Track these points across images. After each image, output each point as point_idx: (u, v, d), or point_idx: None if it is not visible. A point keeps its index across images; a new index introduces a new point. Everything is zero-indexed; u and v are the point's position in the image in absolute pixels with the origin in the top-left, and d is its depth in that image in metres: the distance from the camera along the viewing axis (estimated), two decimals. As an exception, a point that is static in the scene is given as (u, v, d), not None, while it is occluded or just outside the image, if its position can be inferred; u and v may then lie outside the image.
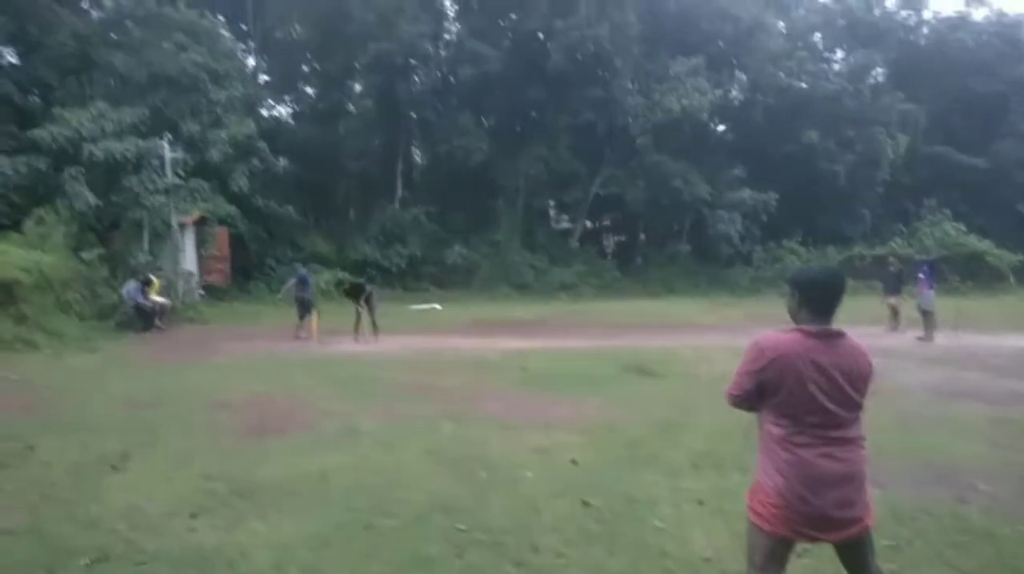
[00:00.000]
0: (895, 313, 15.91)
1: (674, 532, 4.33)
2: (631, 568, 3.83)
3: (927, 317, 14.76)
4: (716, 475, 5.44)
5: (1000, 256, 31.28)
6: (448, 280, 29.26)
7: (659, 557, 3.97)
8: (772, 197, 31.05)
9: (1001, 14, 39.22)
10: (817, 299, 2.78)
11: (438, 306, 24.00)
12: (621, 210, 34.61)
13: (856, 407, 2.76)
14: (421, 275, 29.14)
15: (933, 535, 4.33)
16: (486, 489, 5.10)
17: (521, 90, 30.77)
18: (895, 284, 16.22)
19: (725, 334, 14.90)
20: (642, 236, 36.49)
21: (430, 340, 14.48)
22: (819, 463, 2.67)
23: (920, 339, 14.32)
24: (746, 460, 5.19)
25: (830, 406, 2.69)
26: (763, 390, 2.75)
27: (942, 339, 14.35)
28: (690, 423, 7.11)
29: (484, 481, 5.29)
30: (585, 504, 4.77)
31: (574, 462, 5.77)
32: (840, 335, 2.77)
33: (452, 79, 32.68)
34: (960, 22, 38.47)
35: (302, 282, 15.34)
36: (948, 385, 9.27)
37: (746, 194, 30.81)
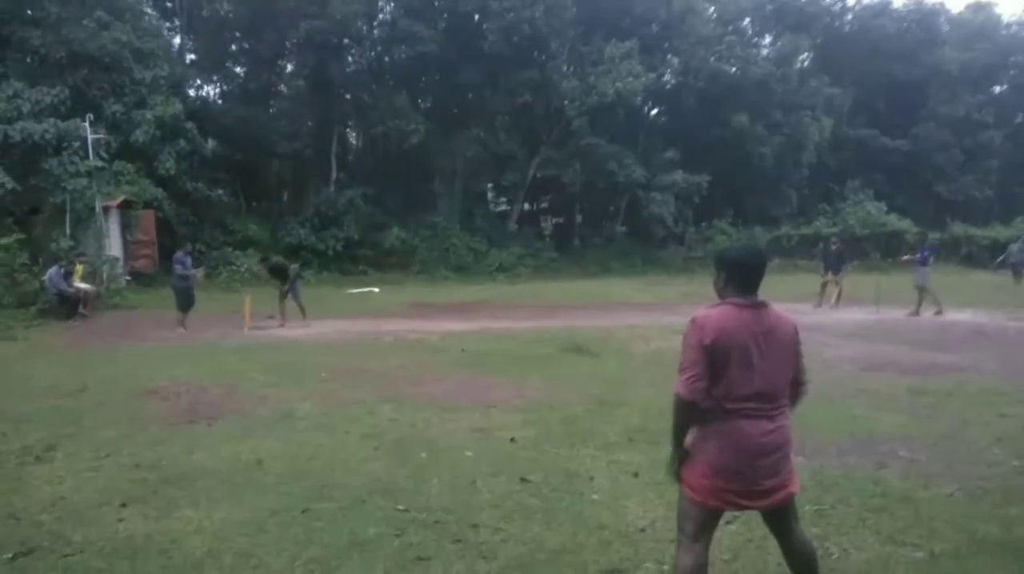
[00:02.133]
0: (836, 290, 16.56)
1: (611, 504, 4.43)
2: (569, 541, 3.90)
3: (922, 293, 15.37)
4: (651, 448, 5.55)
5: (919, 235, 32.79)
6: (386, 263, 28.93)
7: (596, 529, 4.06)
8: (704, 179, 31.70)
9: (919, 2, 40.79)
10: (740, 276, 2.87)
11: (376, 290, 23.73)
12: (558, 192, 34.81)
13: (788, 375, 2.87)
14: (358, 258, 28.71)
15: (855, 500, 4.53)
16: (425, 470, 5.11)
17: (457, 71, 30.48)
18: (837, 263, 16.88)
19: (660, 313, 15.21)
20: (579, 218, 36.80)
21: (368, 324, 14.33)
22: (752, 435, 2.76)
23: (912, 315, 14.88)
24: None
25: (766, 376, 2.78)
26: (712, 367, 2.74)
27: (860, 314, 15.03)
28: (626, 399, 7.26)
29: (423, 462, 5.30)
30: (523, 480, 4.83)
31: (513, 440, 5.83)
32: (765, 305, 2.87)
33: (387, 59, 32.13)
34: (882, 9, 39.82)
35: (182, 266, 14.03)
36: (869, 358, 9.71)
37: (679, 176, 31.37)
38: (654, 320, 13.59)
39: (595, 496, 4.58)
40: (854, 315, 15.16)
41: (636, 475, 4.95)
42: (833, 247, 17.44)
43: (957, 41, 40.75)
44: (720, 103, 32.52)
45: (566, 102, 30.04)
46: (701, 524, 2.90)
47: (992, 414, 6.68)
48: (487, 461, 5.28)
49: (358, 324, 14.25)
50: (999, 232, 33.11)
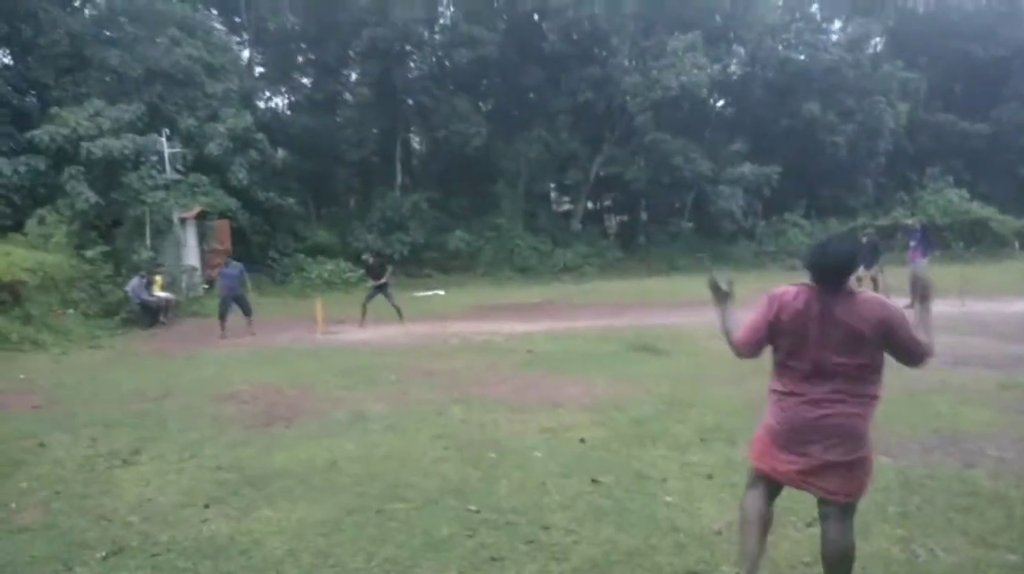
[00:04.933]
0: (874, 285, 15.83)
1: (684, 506, 4.35)
2: (642, 543, 3.84)
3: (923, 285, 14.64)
4: (726, 448, 5.45)
5: (1004, 222, 31.14)
6: (451, 266, 29.26)
7: (670, 532, 3.99)
8: (774, 171, 30.85)
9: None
10: (819, 275, 2.87)
11: (442, 292, 24.03)
12: (622, 190, 34.49)
13: (857, 359, 2.80)
14: (424, 262, 29.13)
15: (942, 500, 4.35)
16: (495, 471, 5.12)
17: (518, 72, 30.57)
18: (869, 257, 16.07)
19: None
20: (644, 215, 36.37)
21: (435, 326, 14.50)
22: (800, 413, 2.86)
23: (908, 307, 14.23)
24: (754, 433, 5.21)
25: (823, 358, 2.82)
26: (773, 335, 2.93)
27: (944, 307, 14.33)
28: (698, 399, 7.12)
29: (494, 463, 5.31)
30: (594, 482, 4.79)
31: (582, 441, 5.79)
32: (850, 293, 2.84)
33: (448, 64, 32.48)
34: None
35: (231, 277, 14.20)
36: (953, 352, 9.24)
37: (747, 169, 30.60)
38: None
39: (668, 498, 4.50)
40: (937, 308, 14.43)
41: (710, 477, 4.84)
42: (865, 240, 16.55)
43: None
44: (789, 92, 31.62)
45: (628, 98, 29.73)
46: (755, 477, 3.12)
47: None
48: (556, 462, 5.26)
49: (425, 327, 14.44)
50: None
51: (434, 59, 32.55)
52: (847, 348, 2.79)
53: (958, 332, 10.80)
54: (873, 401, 2.86)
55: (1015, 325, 11.81)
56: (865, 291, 2.96)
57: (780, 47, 31.85)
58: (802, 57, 31.66)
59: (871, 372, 2.83)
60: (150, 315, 15.82)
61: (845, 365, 2.80)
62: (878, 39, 36.50)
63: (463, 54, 29.76)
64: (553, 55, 29.41)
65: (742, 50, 34.10)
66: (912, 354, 2.83)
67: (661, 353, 9.91)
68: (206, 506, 4.59)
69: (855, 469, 2.86)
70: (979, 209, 31.47)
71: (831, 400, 2.81)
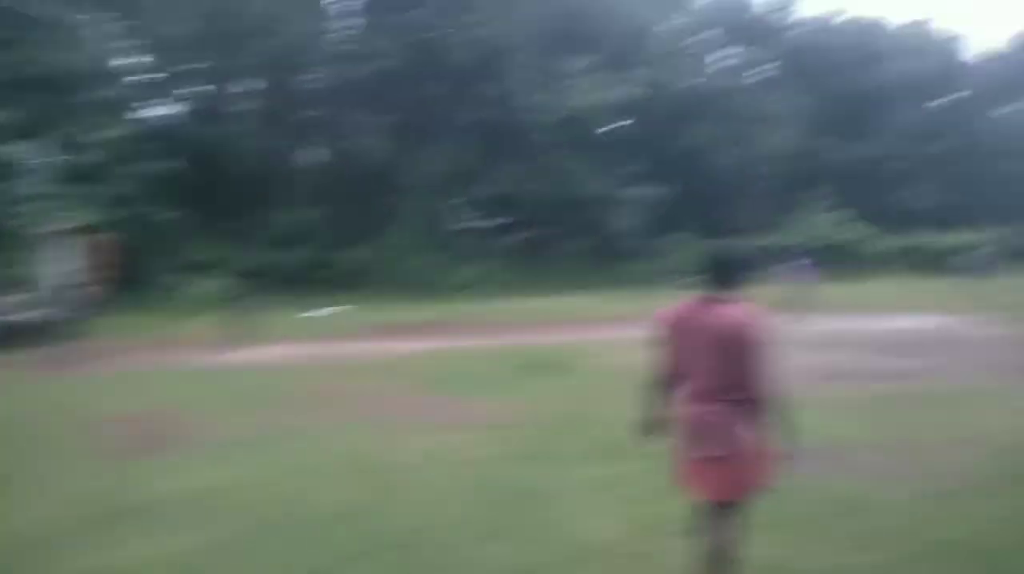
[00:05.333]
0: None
1: (579, 521, 4.39)
2: (537, 560, 3.84)
3: (799, 303, 15.81)
4: (618, 463, 5.53)
5: (877, 243, 33.64)
6: (347, 283, 28.56)
7: (565, 546, 4.01)
8: (668, 191, 32.04)
9: (866, 18, 42.22)
10: (707, 274, 3.10)
11: (338, 310, 23.44)
12: (524, 207, 34.84)
13: (727, 366, 2.96)
14: (318, 279, 28.31)
15: (812, 508, 4.52)
16: (389, 493, 5.02)
17: (420, 87, 30.41)
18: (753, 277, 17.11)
19: (625, 327, 15.22)
20: (543, 233, 36.88)
21: (328, 346, 14.13)
22: (692, 417, 3.06)
23: (795, 323, 15.12)
24: (649, 447, 5.33)
25: (705, 364, 3.01)
26: (667, 354, 3.18)
27: (817, 323, 15.30)
28: (591, 415, 7.23)
29: (387, 485, 5.20)
30: (489, 500, 4.76)
31: (478, 460, 5.76)
32: (720, 300, 3.04)
33: (348, 76, 32.03)
34: (826, 24, 41.01)
35: None
36: (827, 367, 9.83)
37: (643, 189, 31.66)
38: (619, 334, 13.60)
39: (563, 513, 4.53)
40: (812, 325, 15.35)
41: (603, 491, 4.91)
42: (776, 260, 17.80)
43: (902, 54, 42.00)
44: (685, 116, 33.00)
45: (531, 116, 30.14)
46: (694, 512, 3.24)
47: (951, 417, 6.79)
48: (451, 481, 5.21)
49: (317, 347, 14.05)
50: (957, 237, 33.97)
51: (334, 71, 31.97)
52: (714, 352, 2.97)
53: (831, 348, 11.49)
54: (744, 403, 2.97)
55: (886, 341, 12.66)
56: (744, 304, 3.08)
57: (676, 71, 33.20)
58: (696, 82, 33.16)
59: (741, 376, 2.96)
60: (20, 335, 14.67)
61: (716, 369, 2.98)
62: (767, 66, 38.68)
63: (364, 66, 29.38)
64: (456, 71, 29.46)
65: (641, 73, 35.30)
66: (754, 376, 2.96)
67: (559, 370, 10.01)
68: (70, 538, 4.26)
69: (725, 469, 2.99)
70: (854, 230, 33.83)
71: (704, 401, 3.02)
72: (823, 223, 34.04)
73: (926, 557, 3.79)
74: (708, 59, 35.91)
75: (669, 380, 3.23)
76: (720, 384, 2.99)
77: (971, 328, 13.96)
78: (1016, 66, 46.30)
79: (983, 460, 5.45)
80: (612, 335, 13.83)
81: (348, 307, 23.88)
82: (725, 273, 3.10)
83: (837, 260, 31.09)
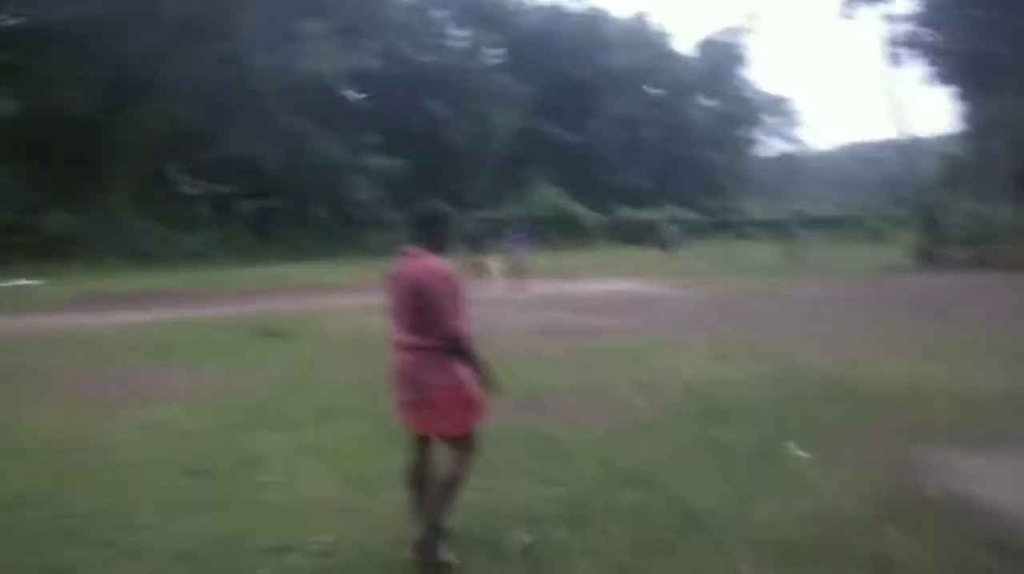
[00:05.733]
0: (480, 270, 17.82)
1: (290, 486, 4.33)
2: (239, 527, 3.73)
3: (518, 271, 17.00)
4: (338, 425, 5.56)
5: (591, 217, 37.07)
6: (47, 251, 24.89)
7: (273, 512, 3.93)
8: (404, 164, 32.29)
9: (591, 9, 45.87)
10: (410, 230, 3.29)
11: (33, 282, 20.32)
12: (255, 174, 32.89)
13: (416, 315, 3.16)
14: (10, 247, 24.34)
15: (518, 449, 4.94)
16: (81, 473, 4.53)
17: (133, 38, 27.05)
18: (477, 246, 18.35)
19: (359, 294, 15.20)
20: (278, 201, 35.19)
21: (27, 320, 12.29)
22: (396, 364, 3.25)
23: (512, 290, 16.25)
24: (372, 409, 5.42)
25: (401, 315, 3.23)
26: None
27: (535, 288, 16.61)
28: (316, 381, 7.15)
29: (79, 464, 4.69)
30: (194, 473, 4.52)
31: (186, 432, 5.42)
32: (413, 255, 3.24)
33: (45, 19, 27.43)
34: (556, 13, 43.95)
35: None
36: (543, 326, 10.72)
37: (381, 160, 31.57)
38: (353, 302, 13.57)
39: (274, 479, 4.44)
40: (530, 290, 16.59)
41: (318, 454, 4.90)
42: (473, 230, 19.01)
43: (621, 46, 46.46)
44: (418, 90, 33.29)
45: (261, 79, 28.40)
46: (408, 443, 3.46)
47: (641, 365, 7.75)
48: (153, 457, 4.85)
49: (14, 322, 12.14)
50: (653, 214, 38.65)
51: (28, 11, 27.16)
52: (407, 302, 3.19)
53: (547, 308, 12.50)
54: (434, 351, 3.17)
55: (592, 303, 14.08)
56: (433, 257, 3.24)
57: (410, 47, 33.35)
58: (429, 59, 33.58)
59: (429, 324, 3.15)
60: None
61: (409, 318, 3.20)
62: (497, 50, 40.40)
63: (64, 9, 25.35)
64: (172, 22, 26.67)
65: (376, 45, 34.92)
66: (438, 323, 3.15)
67: (286, 338, 9.73)
68: None
69: (428, 409, 3.22)
70: (572, 206, 36.95)
71: (404, 349, 3.22)
72: (546, 199, 36.68)
73: (609, 485, 4.32)
74: (443, 38, 36.55)
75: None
76: (414, 333, 3.18)
77: (661, 291, 16.03)
78: (711, 63, 53.66)
79: (664, 401, 6.29)
80: (344, 302, 13.74)
81: (50, 278, 20.70)
82: (423, 228, 3.27)
83: (557, 233, 33.82)
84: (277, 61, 27.91)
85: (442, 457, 3.33)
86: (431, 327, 3.15)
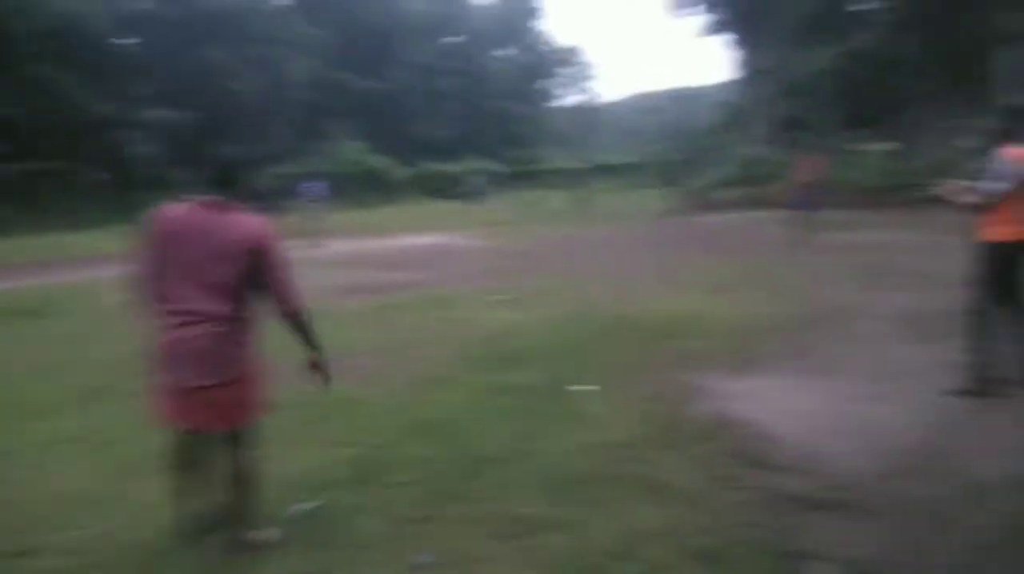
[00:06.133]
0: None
1: (46, 475, 3.85)
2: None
3: (315, 226, 16.63)
4: (104, 409, 5.01)
5: (396, 171, 36.36)
6: None
7: (13, 512, 3.46)
8: (187, 116, 29.62)
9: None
10: (208, 177, 2.82)
11: None
12: (7, 131, 28.60)
13: (221, 278, 2.69)
14: None
15: (306, 411, 4.64)
16: None
17: None
18: (273, 201, 17.26)
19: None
20: (38, 162, 30.98)
21: None
22: (179, 338, 2.66)
23: (313, 246, 15.73)
24: (138, 386, 4.89)
25: (187, 275, 2.68)
26: (155, 255, 2.74)
27: (337, 245, 16.11)
28: (80, 360, 6.40)
29: None
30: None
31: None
32: (210, 206, 2.74)
33: None
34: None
35: None
36: (346, 284, 10.39)
37: (159, 113, 28.70)
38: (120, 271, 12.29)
39: (27, 470, 3.94)
40: (329, 247, 16.04)
41: (80, 441, 4.39)
42: (265, 187, 18.10)
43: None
44: (198, 35, 30.48)
45: (8, 21, 24.43)
46: (173, 450, 2.96)
47: (438, 320, 7.70)
48: None
49: None
50: (459, 166, 38.60)
51: None
52: (217, 263, 2.68)
53: (350, 266, 12.13)
54: (237, 322, 2.75)
55: (396, 258, 13.88)
56: (251, 214, 2.83)
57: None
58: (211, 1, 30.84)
59: (235, 291, 2.73)
60: None
61: (219, 281, 2.69)
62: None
63: None
64: None
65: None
66: (277, 292, 2.77)
67: (40, 316, 8.63)
68: None
69: (224, 396, 2.75)
70: (376, 160, 35.96)
71: (197, 320, 2.66)
72: (347, 152, 35.38)
73: (401, 440, 4.24)
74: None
75: (151, 298, 2.77)
76: (222, 300, 2.69)
77: (465, 243, 16.13)
78: (506, 14, 54.09)
79: (463, 351, 6.30)
80: (117, 273, 12.40)
81: None
82: (226, 179, 2.82)
83: (363, 188, 32.87)
84: (21, 1, 24.18)
85: (222, 451, 2.93)
86: (248, 295, 2.73)
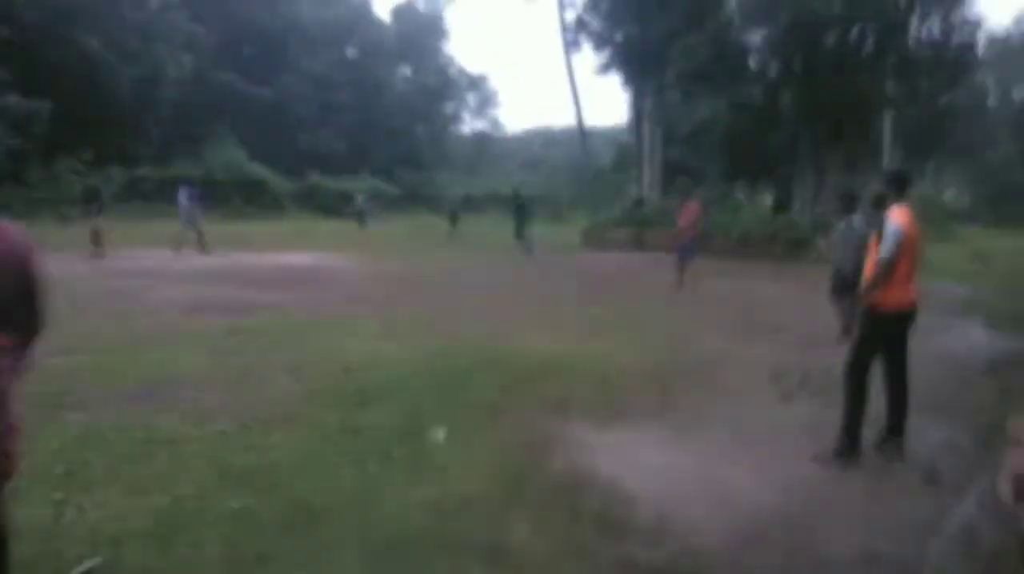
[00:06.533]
0: (97, 237, 15.06)
1: None
2: None
3: (182, 237, 15.91)
4: None
5: (279, 184, 34.82)
6: None
7: None
8: (45, 106, 27.15)
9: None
10: None
11: None
12: None
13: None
14: None
15: (116, 451, 4.15)
16: None
17: None
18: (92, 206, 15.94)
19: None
20: None
21: None
22: None
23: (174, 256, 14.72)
24: None
25: None
26: None
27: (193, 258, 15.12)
28: None
29: None
30: None
31: None
32: None
33: None
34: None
35: None
36: (195, 301, 9.53)
37: (12, 100, 26.15)
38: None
39: None
40: (193, 259, 15.02)
41: None
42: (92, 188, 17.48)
43: (323, 2, 44.16)
44: (65, 20, 28.14)
45: None
46: None
47: (294, 347, 7.07)
48: None
49: None
50: (350, 183, 37.55)
51: None
52: None
53: (207, 282, 11.22)
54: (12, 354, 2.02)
55: (262, 274, 13.01)
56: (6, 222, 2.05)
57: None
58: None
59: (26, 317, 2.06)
60: None
61: None
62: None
63: None
64: None
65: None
66: (39, 313, 2.11)
67: None
68: None
69: None
70: (259, 170, 34.34)
71: None
72: (224, 159, 33.66)
73: (217, 489, 3.70)
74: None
75: None
76: None
77: (340, 265, 15.41)
78: (410, 31, 53.56)
79: (316, 383, 5.77)
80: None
81: None
82: None
83: (241, 198, 31.28)
84: None
85: None
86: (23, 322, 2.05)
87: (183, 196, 16.74)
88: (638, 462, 4.38)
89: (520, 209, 19.63)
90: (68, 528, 3.25)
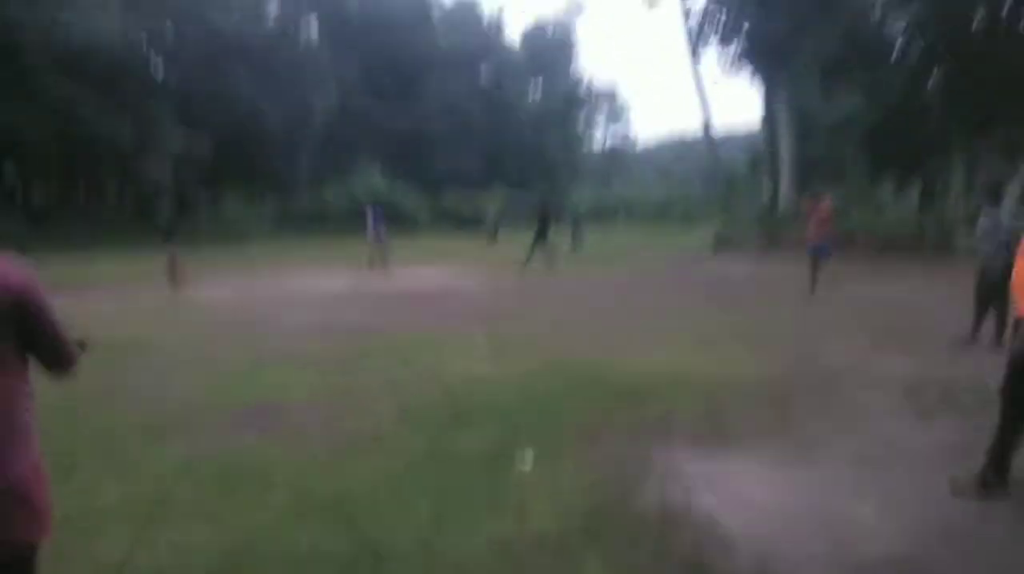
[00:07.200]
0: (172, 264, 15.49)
1: None
2: None
3: (378, 257, 17.24)
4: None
5: (417, 204, 36.23)
6: None
7: None
8: (207, 143, 29.69)
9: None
10: None
11: None
12: (23, 151, 28.88)
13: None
14: None
15: (208, 481, 4.19)
16: None
17: None
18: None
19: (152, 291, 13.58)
20: (55, 182, 31.32)
21: None
22: None
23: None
24: None
25: None
26: None
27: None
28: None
29: None
30: None
31: None
32: None
33: None
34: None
35: None
36: (323, 322, 9.85)
37: (179, 138, 28.78)
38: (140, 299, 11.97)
39: None
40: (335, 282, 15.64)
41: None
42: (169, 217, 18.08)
43: (449, 27, 45.72)
44: (223, 61, 30.69)
45: (20, 36, 24.56)
46: None
47: (401, 367, 7.08)
48: None
49: None
50: (482, 201, 38.42)
51: None
52: None
53: (340, 304, 11.56)
54: (18, 397, 1.89)
55: (391, 297, 13.33)
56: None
57: (213, 15, 30.67)
58: (236, 30, 31.10)
59: (31, 356, 1.95)
60: None
61: None
62: (312, 24, 38.28)
63: None
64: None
65: (169, 7, 31.73)
66: (56, 349, 1.99)
67: None
68: None
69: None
70: (397, 192, 35.88)
71: None
72: (372, 183, 35.36)
73: (294, 521, 3.64)
74: (254, 8, 33.91)
75: None
76: None
77: (464, 283, 15.42)
78: (535, 54, 54.28)
79: (414, 404, 5.70)
80: (128, 303, 12.06)
81: None
82: None
83: (386, 218, 32.72)
84: (45, 18, 24.04)
85: None
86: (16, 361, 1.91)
87: (370, 216, 17.67)
88: (742, 495, 3.93)
89: (545, 219, 17.50)
90: (143, 561, 3.23)
